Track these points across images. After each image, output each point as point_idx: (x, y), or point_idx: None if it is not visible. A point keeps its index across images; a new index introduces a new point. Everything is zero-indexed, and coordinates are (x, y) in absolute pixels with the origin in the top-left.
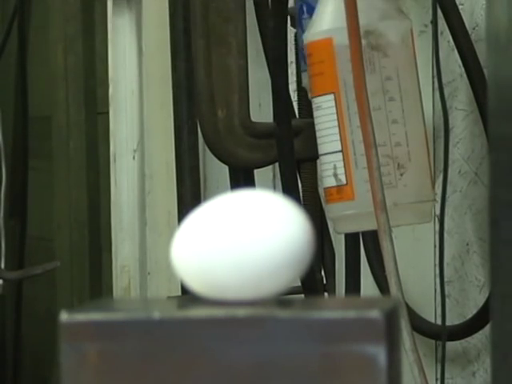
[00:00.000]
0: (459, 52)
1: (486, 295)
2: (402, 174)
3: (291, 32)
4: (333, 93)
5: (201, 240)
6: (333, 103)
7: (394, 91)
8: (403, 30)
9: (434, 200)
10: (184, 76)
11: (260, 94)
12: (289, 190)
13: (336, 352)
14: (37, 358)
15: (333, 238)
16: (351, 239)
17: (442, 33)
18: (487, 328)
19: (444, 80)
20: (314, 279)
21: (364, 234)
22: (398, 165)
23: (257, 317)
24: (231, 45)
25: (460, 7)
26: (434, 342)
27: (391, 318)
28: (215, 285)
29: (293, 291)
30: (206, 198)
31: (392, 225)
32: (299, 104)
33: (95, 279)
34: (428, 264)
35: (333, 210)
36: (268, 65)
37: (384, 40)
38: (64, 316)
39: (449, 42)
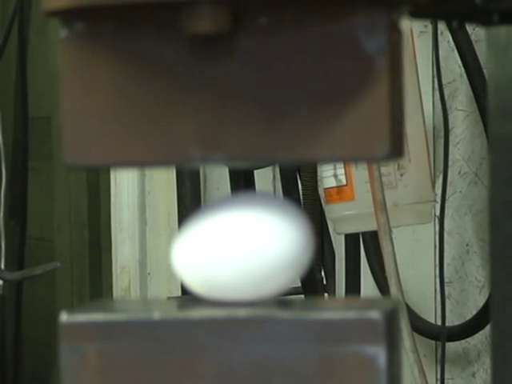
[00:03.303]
0: (459, 52)
1: (486, 296)
2: (402, 175)
3: None
4: None
5: (201, 241)
6: None
7: None
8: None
9: (434, 200)
10: None
11: None
12: (289, 190)
13: (336, 352)
14: (37, 359)
15: (333, 238)
16: (351, 239)
17: (442, 33)
18: (487, 329)
19: (444, 80)
20: (314, 279)
21: (364, 234)
22: (398, 165)
23: (257, 317)
24: None
25: None
26: (434, 342)
27: (391, 319)
28: (215, 285)
29: (293, 291)
30: (205, 199)
31: (392, 225)
32: None
33: (95, 279)
34: (428, 264)
35: (333, 211)
36: None
37: None
38: (64, 317)
39: (449, 42)
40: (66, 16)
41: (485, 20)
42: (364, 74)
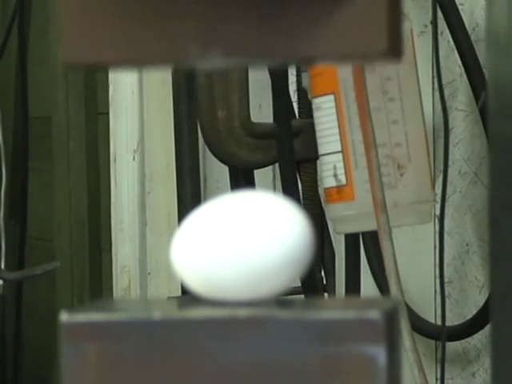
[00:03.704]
0: (459, 52)
1: (486, 295)
2: (401, 175)
3: None
4: (333, 93)
5: (201, 240)
6: (333, 103)
7: (394, 91)
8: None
9: (434, 200)
10: (184, 76)
11: (260, 94)
12: (289, 190)
13: (336, 352)
14: (37, 358)
15: (333, 238)
16: (351, 239)
17: (441, 33)
18: (487, 328)
19: (444, 80)
20: (314, 279)
21: (364, 234)
22: (398, 165)
23: (257, 317)
24: None
25: (460, 7)
26: (433, 342)
27: (391, 319)
28: (215, 285)
29: (293, 291)
30: (206, 199)
31: (392, 225)
32: (299, 104)
33: (95, 279)
34: (428, 264)
35: (333, 211)
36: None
37: None
38: (64, 316)
39: (449, 42)
40: None
41: None
42: None
